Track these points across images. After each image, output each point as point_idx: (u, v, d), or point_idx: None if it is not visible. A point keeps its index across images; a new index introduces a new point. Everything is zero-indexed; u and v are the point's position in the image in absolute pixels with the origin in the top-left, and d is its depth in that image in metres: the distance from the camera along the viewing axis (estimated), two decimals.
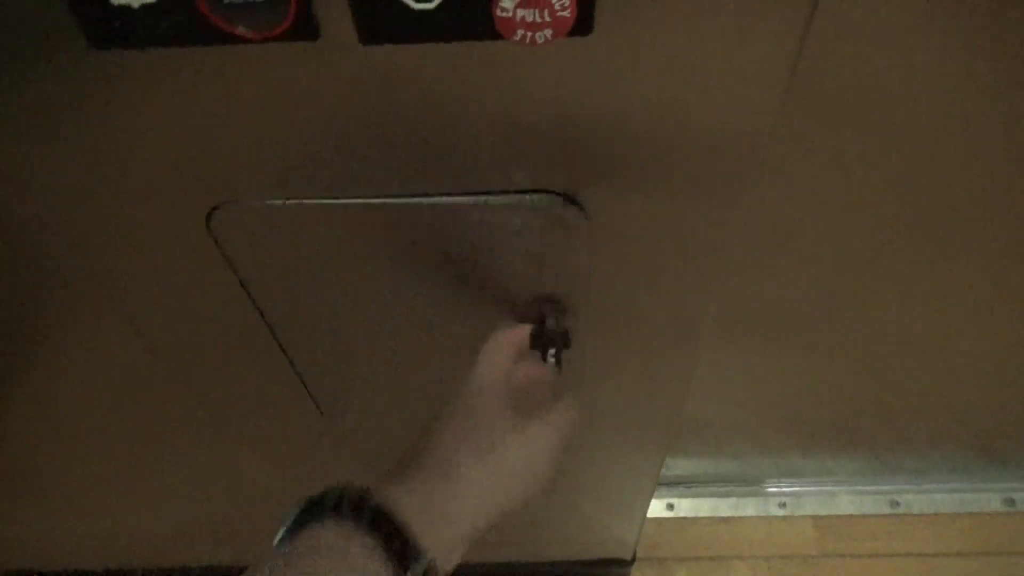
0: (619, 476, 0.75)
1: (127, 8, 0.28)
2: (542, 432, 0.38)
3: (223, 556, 0.98)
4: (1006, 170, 0.59)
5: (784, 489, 1.18)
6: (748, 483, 1.18)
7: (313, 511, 0.33)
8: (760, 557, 1.14)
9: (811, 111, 0.52)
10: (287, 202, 0.38)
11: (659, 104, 0.33)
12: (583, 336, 0.49)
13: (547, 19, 0.27)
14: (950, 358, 0.88)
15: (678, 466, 1.15)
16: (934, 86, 0.50)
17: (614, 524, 0.92)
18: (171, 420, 0.66)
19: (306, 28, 0.29)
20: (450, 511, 0.34)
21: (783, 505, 1.17)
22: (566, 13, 0.27)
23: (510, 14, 0.27)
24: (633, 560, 1.07)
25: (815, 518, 1.17)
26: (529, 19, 0.27)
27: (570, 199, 0.39)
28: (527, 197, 0.38)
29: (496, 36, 0.28)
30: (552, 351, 0.48)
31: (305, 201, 0.38)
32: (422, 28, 0.28)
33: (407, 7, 0.27)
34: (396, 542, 0.31)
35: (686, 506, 1.18)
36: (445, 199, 0.38)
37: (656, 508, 1.16)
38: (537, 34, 0.27)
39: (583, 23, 0.29)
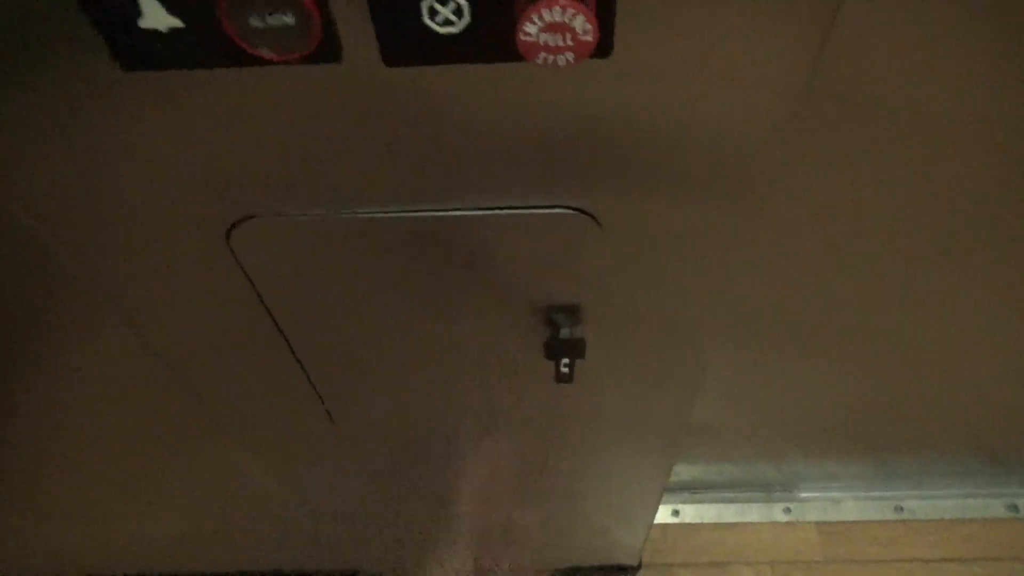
0: (628, 482, 0.75)
1: (155, 32, 0.29)
2: None
3: (231, 563, 0.98)
4: (1014, 178, 0.60)
5: (788, 495, 1.19)
6: (753, 489, 1.18)
7: None
8: (765, 563, 1.14)
9: (819, 117, 0.53)
10: (307, 216, 0.38)
11: (672, 119, 0.34)
12: (595, 343, 0.50)
13: (569, 43, 0.27)
14: (955, 364, 0.89)
15: (683, 472, 1.15)
16: (938, 92, 0.51)
17: (621, 531, 0.92)
18: (180, 426, 0.66)
19: (330, 51, 0.30)
20: None
21: (788, 511, 1.18)
22: (588, 37, 0.27)
23: (533, 38, 0.27)
24: (639, 566, 1.07)
25: (819, 524, 1.17)
26: (552, 43, 0.27)
27: (584, 212, 0.39)
28: (542, 211, 0.39)
29: (518, 58, 0.28)
30: (566, 361, 0.49)
31: (326, 215, 0.38)
32: (446, 50, 0.29)
33: (432, 31, 0.28)
34: None
35: (691, 512, 1.18)
36: (462, 213, 0.38)
37: (662, 514, 1.17)
38: (559, 57, 0.28)
39: (603, 46, 0.29)
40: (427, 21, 0.28)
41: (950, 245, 0.68)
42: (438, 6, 0.28)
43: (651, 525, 0.92)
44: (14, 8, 0.28)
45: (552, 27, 0.27)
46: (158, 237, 0.40)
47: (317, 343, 0.49)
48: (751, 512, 1.18)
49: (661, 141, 0.35)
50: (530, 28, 0.27)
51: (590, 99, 0.32)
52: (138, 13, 0.28)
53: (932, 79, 0.49)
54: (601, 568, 1.03)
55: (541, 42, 0.27)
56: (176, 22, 0.28)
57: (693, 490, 1.18)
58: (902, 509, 1.17)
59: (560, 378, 0.50)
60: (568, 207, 0.38)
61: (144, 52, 0.29)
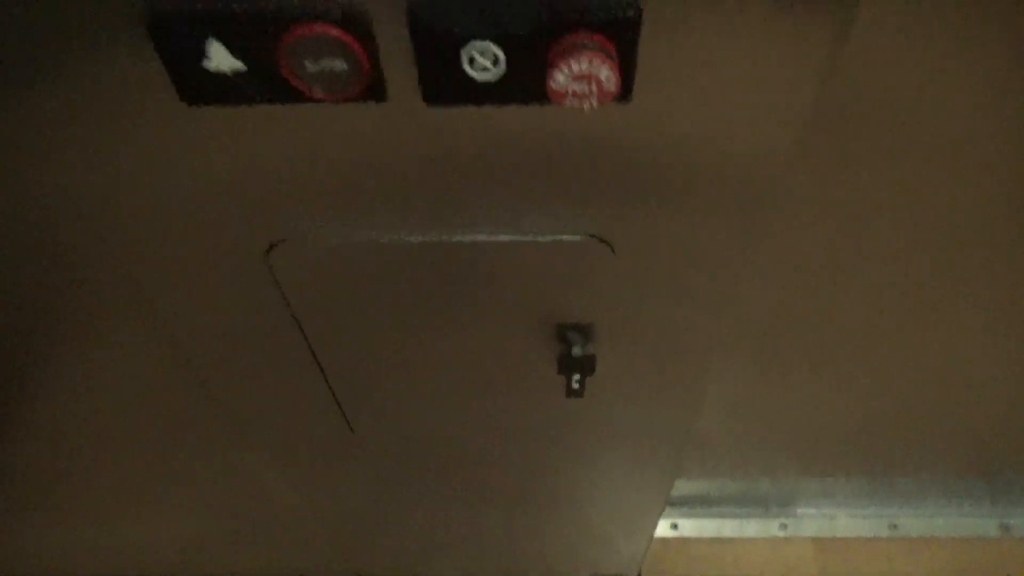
0: (631, 494, 0.78)
1: (219, 73, 0.32)
2: None
3: (245, 569, 1.00)
4: (1018, 202, 0.60)
5: (785, 511, 1.21)
6: (750, 504, 1.21)
7: None
8: None
9: (826, 132, 0.53)
10: (342, 239, 0.41)
11: (686, 152, 0.37)
12: (605, 360, 0.53)
13: (593, 90, 0.30)
14: (951, 385, 0.91)
15: (683, 487, 1.17)
16: (947, 104, 0.51)
17: (622, 543, 0.95)
18: (200, 431, 0.69)
19: (376, 91, 0.33)
20: None
21: (784, 527, 1.20)
22: (611, 86, 0.30)
23: (562, 86, 0.30)
24: None
25: (815, 540, 1.19)
26: (578, 90, 0.30)
27: (600, 239, 0.42)
28: (560, 238, 0.42)
29: (547, 102, 0.31)
30: (577, 376, 0.52)
31: (359, 239, 0.41)
32: (482, 94, 0.32)
33: (470, 78, 0.31)
34: None
35: (690, 526, 1.20)
36: (486, 239, 0.41)
37: (661, 527, 1.19)
38: (584, 102, 0.31)
39: (624, 92, 0.32)
40: (467, 68, 0.31)
41: (953, 265, 0.69)
42: (477, 55, 0.31)
43: (652, 538, 0.94)
44: (95, 43, 0.31)
45: (579, 77, 0.30)
46: (201, 251, 0.43)
47: (342, 356, 0.52)
48: (749, 527, 1.20)
49: (675, 172, 0.38)
50: (559, 77, 0.30)
51: (610, 137, 0.35)
52: (205, 56, 0.31)
53: (941, 92, 0.50)
54: None
55: (569, 89, 0.30)
56: (239, 65, 0.31)
57: (692, 505, 1.21)
58: (896, 527, 1.19)
59: (571, 393, 0.53)
60: (584, 234, 0.41)
61: (207, 90, 0.32)
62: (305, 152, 0.36)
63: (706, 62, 0.32)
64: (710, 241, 0.43)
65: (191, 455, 0.74)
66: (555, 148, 0.36)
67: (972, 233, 0.65)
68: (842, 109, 0.51)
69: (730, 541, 1.19)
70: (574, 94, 0.31)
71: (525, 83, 0.31)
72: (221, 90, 0.32)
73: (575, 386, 0.52)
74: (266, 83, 0.32)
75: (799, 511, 1.21)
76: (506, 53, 0.30)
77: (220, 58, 0.31)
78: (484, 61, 0.31)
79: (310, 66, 0.31)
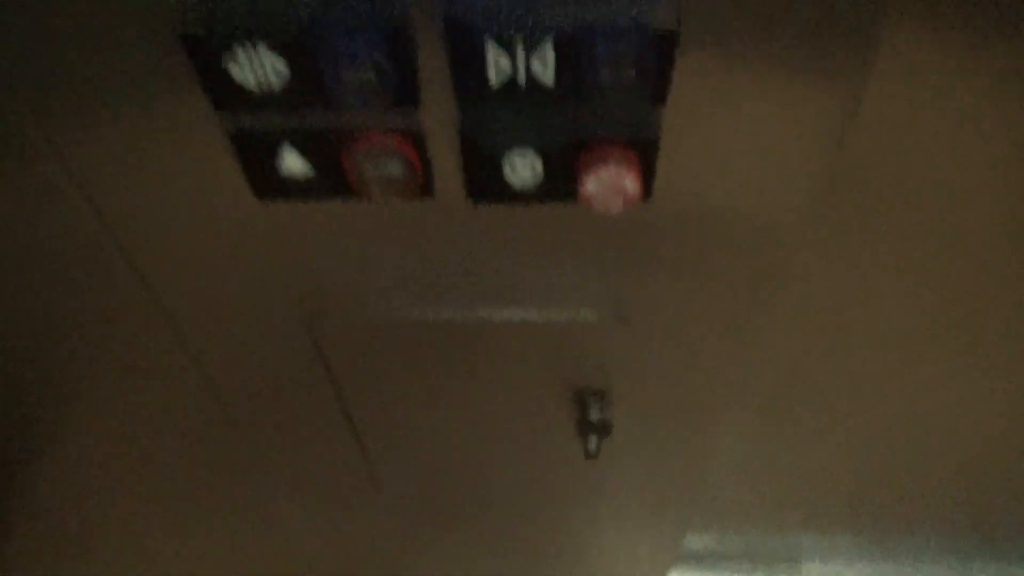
0: (641, 550, 0.80)
1: (292, 177, 0.36)
2: None
3: None
4: None
5: (792, 567, 1.22)
6: (757, 560, 1.22)
7: None
8: None
9: (840, 203, 0.55)
10: (383, 315, 0.45)
11: (702, 235, 0.41)
12: (621, 423, 0.56)
13: (619, 195, 0.35)
14: (957, 447, 0.93)
15: (690, 541, 1.19)
16: (959, 177, 0.51)
17: None
18: (228, 478, 0.71)
19: (426, 189, 0.37)
20: None
21: None
22: (634, 191, 0.35)
23: (592, 192, 0.34)
24: None
25: None
26: (605, 195, 0.35)
27: (617, 315, 0.46)
28: (580, 316, 0.46)
29: (578, 204, 0.36)
30: (594, 439, 0.55)
31: (398, 315, 0.45)
32: (520, 195, 0.36)
33: (511, 183, 0.35)
34: None
35: None
36: (512, 317, 0.46)
37: None
38: (611, 206, 0.35)
39: (645, 194, 0.37)
40: (507, 176, 0.35)
41: (966, 332, 0.71)
42: (517, 164, 0.35)
43: None
44: (184, 151, 0.36)
45: (606, 184, 0.34)
46: (250, 314, 0.47)
47: (373, 416, 0.56)
48: None
49: (690, 251, 0.42)
50: (589, 184, 0.34)
51: (632, 229, 0.39)
52: (280, 161, 0.36)
53: (955, 166, 0.50)
54: None
55: (597, 195, 0.35)
56: (308, 169, 0.36)
57: (700, 559, 1.22)
58: None
59: (588, 454, 0.56)
60: (601, 311, 0.45)
61: (278, 188, 0.37)
62: (356, 238, 0.40)
63: (720, 164, 0.36)
64: (722, 311, 0.47)
65: (218, 500, 0.77)
66: (581, 238, 0.40)
67: (983, 303, 0.66)
68: (852, 183, 0.53)
69: None
70: (601, 199, 0.35)
71: (558, 187, 0.36)
72: (290, 188, 0.37)
73: (592, 448, 0.55)
74: (330, 183, 0.37)
75: (806, 567, 1.22)
76: (542, 162, 0.35)
77: (292, 162, 0.36)
78: (523, 168, 0.35)
79: (370, 169, 0.35)
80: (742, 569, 1.22)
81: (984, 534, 1.15)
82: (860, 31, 0.31)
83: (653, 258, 0.42)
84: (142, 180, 0.37)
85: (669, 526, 0.76)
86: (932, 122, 0.45)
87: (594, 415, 0.54)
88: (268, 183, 0.37)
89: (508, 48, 0.30)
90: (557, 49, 0.30)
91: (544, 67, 0.31)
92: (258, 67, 0.31)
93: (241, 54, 0.31)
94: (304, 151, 0.35)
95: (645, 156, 0.35)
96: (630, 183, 0.34)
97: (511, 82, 0.31)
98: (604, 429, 0.54)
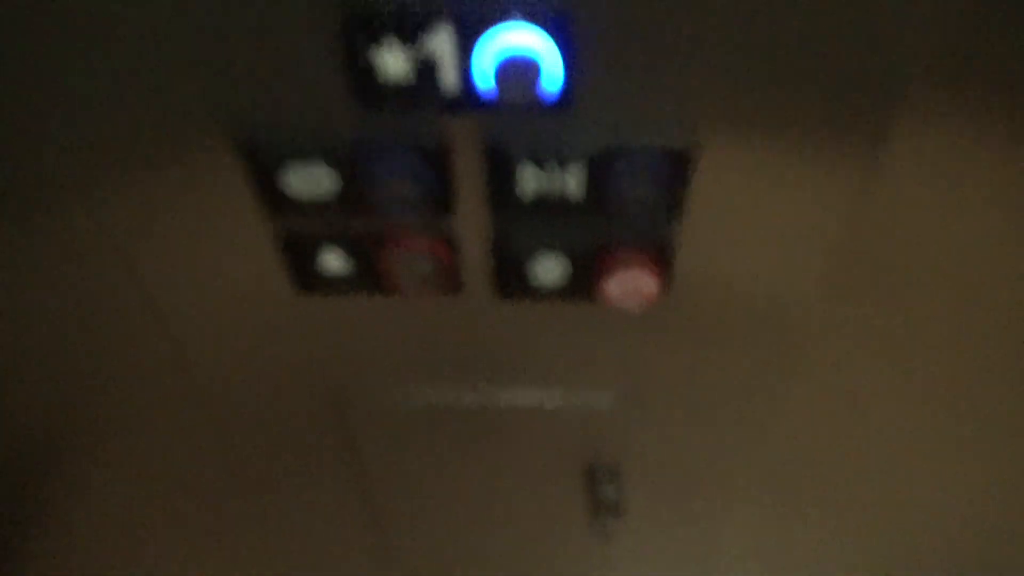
0: None
1: (331, 274, 0.38)
2: None
3: None
4: None
5: None
6: None
7: None
8: None
9: (848, 286, 0.56)
10: (406, 398, 0.47)
11: (717, 320, 0.43)
12: (632, 504, 0.58)
13: (640, 296, 0.37)
14: (968, 533, 0.93)
15: None
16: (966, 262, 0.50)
17: None
18: (240, 545, 0.72)
19: (456, 287, 0.39)
20: None
21: None
22: (652, 291, 0.37)
23: (613, 293, 0.37)
24: None
25: None
26: (626, 295, 0.37)
27: (634, 398, 0.48)
28: (598, 395, 0.48)
29: (600, 301, 0.38)
30: (606, 519, 0.57)
31: (420, 398, 0.47)
32: (546, 293, 0.39)
33: (537, 284, 0.38)
34: None
35: None
36: (533, 399, 0.47)
37: None
38: (631, 305, 0.37)
39: (663, 293, 0.39)
40: (534, 276, 0.38)
41: (983, 420, 0.72)
42: (543, 266, 0.38)
43: None
44: (228, 238, 0.38)
45: (626, 285, 0.37)
46: (276, 394, 0.49)
47: (392, 495, 0.57)
48: None
49: (706, 342, 0.44)
50: (611, 287, 0.37)
51: (649, 322, 0.42)
52: (321, 259, 0.38)
53: (971, 252, 0.49)
54: None
55: (618, 295, 0.37)
56: (347, 267, 0.38)
57: None
58: None
59: (600, 534, 0.57)
60: (618, 395, 0.47)
61: (318, 283, 0.39)
62: (385, 328, 0.43)
63: (735, 261, 0.39)
64: (736, 395, 0.49)
65: (228, 570, 0.77)
66: (600, 329, 0.42)
67: (1000, 392, 0.67)
68: (865, 271, 0.54)
69: None
70: (622, 299, 0.37)
71: (581, 287, 0.38)
72: (329, 285, 0.39)
73: (604, 528, 0.57)
74: (367, 281, 0.39)
75: None
76: (567, 264, 0.37)
77: (333, 262, 0.38)
78: (548, 269, 0.38)
79: (406, 270, 0.38)
80: None
81: None
82: (870, 137, 0.33)
83: (669, 346, 0.44)
84: (190, 265, 0.40)
85: None
86: (946, 209, 0.44)
87: (607, 495, 0.55)
88: (308, 279, 0.39)
89: (540, 167, 0.33)
90: (585, 169, 0.33)
91: (572, 184, 0.34)
92: (309, 179, 0.34)
93: (295, 168, 0.33)
94: (344, 252, 0.38)
95: (663, 260, 0.37)
96: (649, 285, 0.37)
97: (541, 196, 0.34)
98: (616, 510, 0.56)
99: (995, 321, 0.59)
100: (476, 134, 0.33)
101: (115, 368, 0.49)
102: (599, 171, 0.33)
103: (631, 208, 0.34)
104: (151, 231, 0.38)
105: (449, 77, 0.30)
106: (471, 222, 0.36)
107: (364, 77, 0.30)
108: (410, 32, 0.29)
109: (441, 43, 0.29)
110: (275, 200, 0.35)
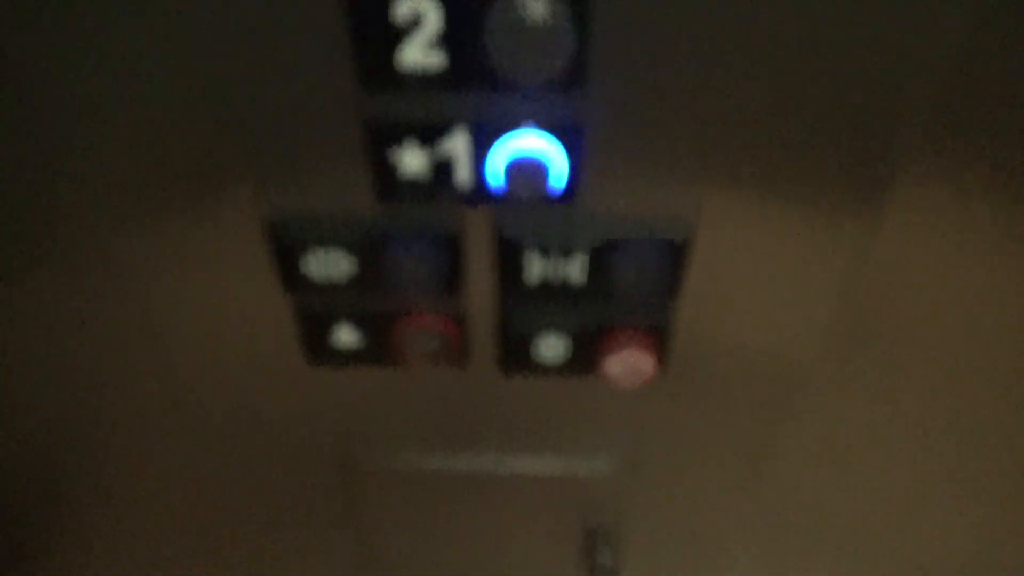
0: None
1: (344, 348, 0.40)
2: None
3: None
4: None
5: None
6: None
7: None
8: None
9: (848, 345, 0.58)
10: (406, 465, 0.49)
11: (714, 397, 0.45)
12: (629, 565, 0.59)
13: (638, 374, 0.39)
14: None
15: None
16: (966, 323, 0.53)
17: None
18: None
19: (463, 362, 0.41)
20: None
21: None
22: (649, 370, 0.39)
23: (614, 371, 0.39)
24: None
25: None
26: (625, 374, 0.39)
27: (632, 463, 0.50)
28: (597, 462, 0.49)
29: (600, 378, 0.40)
30: None
31: (420, 466, 0.49)
32: (548, 369, 0.41)
33: (540, 359, 0.40)
34: None
35: None
36: (533, 466, 0.49)
37: None
38: (631, 383, 0.39)
39: (659, 369, 0.41)
40: (537, 353, 0.40)
41: (985, 479, 0.71)
42: (547, 344, 0.40)
43: None
44: (247, 310, 0.40)
45: (626, 366, 0.39)
46: (283, 455, 0.50)
47: (391, 558, 0.58)
48: None
49: (703, 410, 0.46)
50: (611, 366, 0.39)
51: (648, 395, 0.44)
52: (334, 334, 0.40)
53: (969, 313, 0.49)
54: None
55: (618, 374, 0.39)
56: (359, 342, 0.40)
57: None
58: None
59: None
60: (616, 461, 0.49)
61: (330, 357, 0.41)
62: (392, 397, 0.44)
63: (731, 335, 0.41)
64: (733, 459, 0.50)
65: None
66: (600, 401, 0.44)
67: (1002, 451, 0.67)
68: (862, 336, 0.54)
69: None
70: (622, 377, 0.39)
71: (582, 364, 0.40)
72: (341, 358, 0.41)
73: None
74: (378, 354, 0.41)
75: None
76: (569, 343, 0.39)
77: (346, 337, 0.40)
78: (551, 347, 0.40)
79: (416, 345, 0.40)
80: None
81: None
82: (867, 207, 0.35)
83: (668, 413, 0.46)
84: (208, 331, 0.42)
85: None
86: (946, 267, 0.45)
87: (604, 560, 0.56)
88: (321, 352, 0.41)
89: (545, 255, 0.35)
90: (587, 256, 0.35)
91: (575, 270, 0.36)
92: (329, 263, 0.36)
93: (315, 252, 0.36)
94: (357, 327, 0.40)
95: (661, 340, 0.39)
96: (647, 364, 0.39)
97: (546, 280, 0.36)
98: (613, 574, 0.57)
99: (996, 378, 0.60)
100: (487, 224, 0.35)
101: (126, 422, 0.50)
102: (600, 259, 0.35)
103: (630, 292, 0.37)
104: (174, 296, 0.40)
105: (464, 175, 0.32)
106: (480, 303, 0.39)
107: (386, 173, 0.32)
108: (430, 136, 0.31)
109: (457, 145, 0.31)
110: (295, 279, 0.37)
